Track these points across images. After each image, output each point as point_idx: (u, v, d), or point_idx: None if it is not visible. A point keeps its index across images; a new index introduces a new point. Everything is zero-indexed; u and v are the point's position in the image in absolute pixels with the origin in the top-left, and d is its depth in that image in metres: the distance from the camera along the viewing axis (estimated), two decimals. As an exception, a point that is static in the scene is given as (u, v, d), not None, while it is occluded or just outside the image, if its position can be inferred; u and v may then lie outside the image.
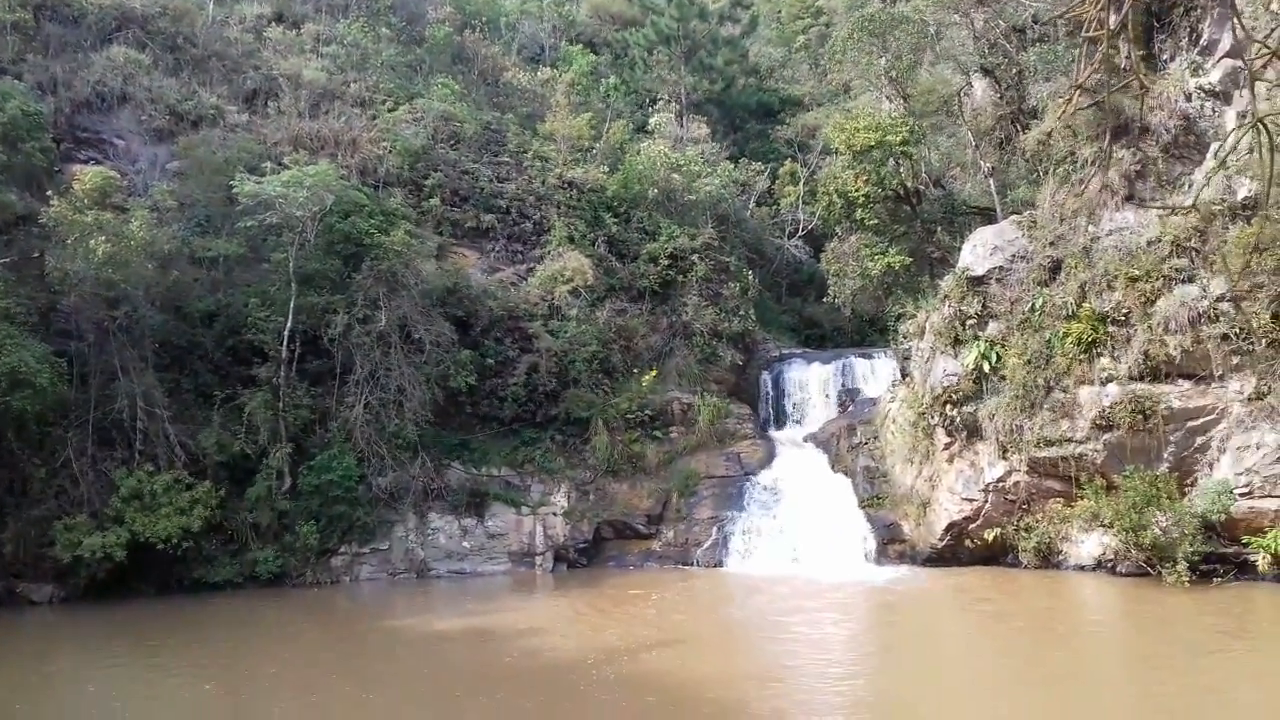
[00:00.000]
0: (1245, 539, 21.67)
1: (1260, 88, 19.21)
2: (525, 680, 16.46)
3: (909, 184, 33.42)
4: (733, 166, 40.53)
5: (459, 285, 30.39)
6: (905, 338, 29.15)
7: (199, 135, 31.69)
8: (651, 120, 40.33)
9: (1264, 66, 18.92)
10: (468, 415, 29.82)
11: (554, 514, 28.84)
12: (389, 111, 34.44)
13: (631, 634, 19.66)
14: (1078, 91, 18.78)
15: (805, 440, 31.43)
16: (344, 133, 32.91)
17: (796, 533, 27.34)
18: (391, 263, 28.32)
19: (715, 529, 28.40)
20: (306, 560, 26.45)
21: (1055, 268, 25.22)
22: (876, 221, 32.44)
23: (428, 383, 28.25)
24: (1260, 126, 14.27)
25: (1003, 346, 25.44)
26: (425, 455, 28.01)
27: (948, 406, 26.01)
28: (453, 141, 34.25)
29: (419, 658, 18.81)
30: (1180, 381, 22.67)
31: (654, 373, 31.43)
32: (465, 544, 28.06)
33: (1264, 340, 21.32)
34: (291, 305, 27.32)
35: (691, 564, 27.99)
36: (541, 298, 31.02)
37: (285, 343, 27.29)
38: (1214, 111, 23.75)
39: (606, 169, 35.26)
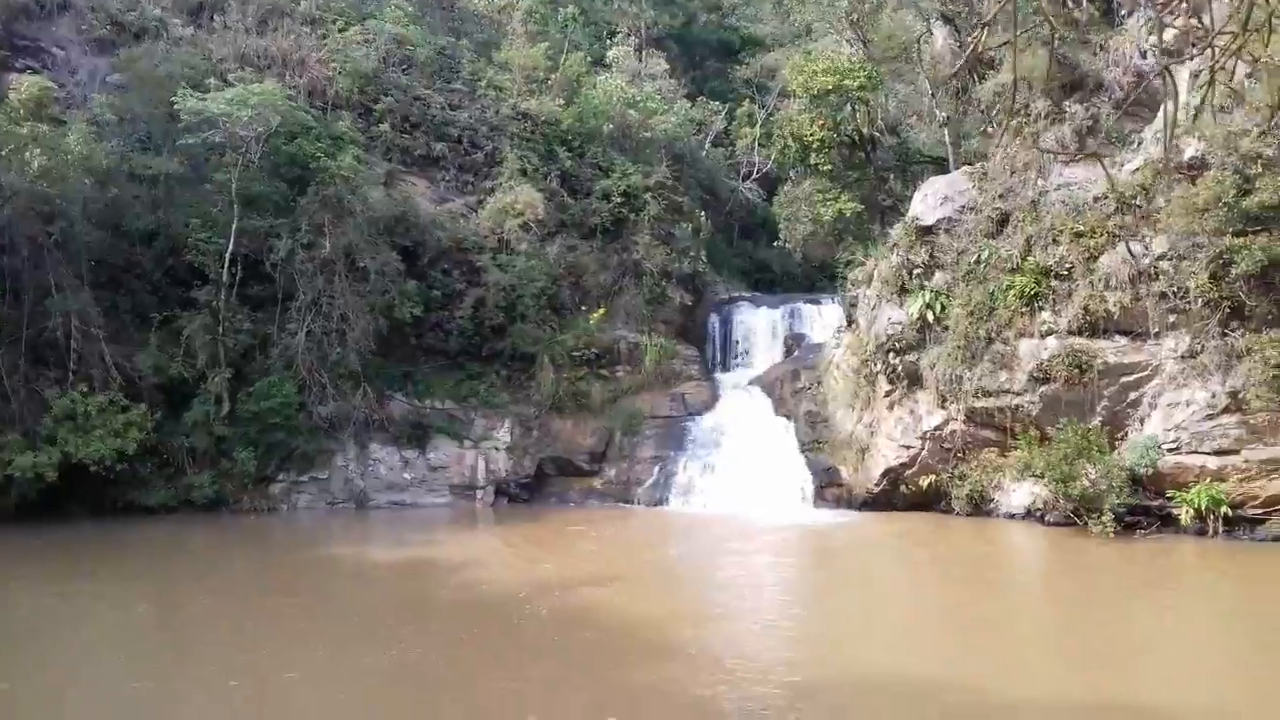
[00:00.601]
0: (1170, 493, 22.25)
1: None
2: (460, 612, 16.51)
3: (864, 130, 33.42)
4: (690, 105, 40.18)
5: (407, 214, 29.89)
6: (853, 285, 29.33)
7: (141, 48, 30.53)
8: (610, 53, 39.75)
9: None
10: (412, 347, 29.53)
11: (496, 448, 28.82)
12: (340, 31, 33.46)
13: (569, 569, 19.77)
14: (1024, 43, 18.74)
15: (750, 383, 31.61)
16: (292, 52, 31.94)
17: (738, 474, 27.57)
18: (338, 188, 27.73)
19: (658, 468, 28.59)
20: (244, 487, 26.21)
21: (1003, 220, 25.43)
22: (830, 167, 32.46)
23: (372, 312, 27.88)
24: (1166, 74, 14.29)
25: (947, 297, 25.68)
26: (367, 385, 27.73)
27: (891, 354, 26.28)
28: (405, 66, 33.45)
29: (354, 587, 18.78)
30: (1117, 337, 23.08)
31: (602, 311, 31.31)
32: (406, 475, 27.97)
33: (1200, 300, 21.69)
34: (234, 228, 26.70)
35: (633, 502, 28.17)
36: (491, 230, 30.63)
37: (226, 266, 26.72)
38: (1168, 71, 23.89)
39: (562, 102, 34.74)
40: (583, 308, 31.51)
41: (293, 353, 27.03)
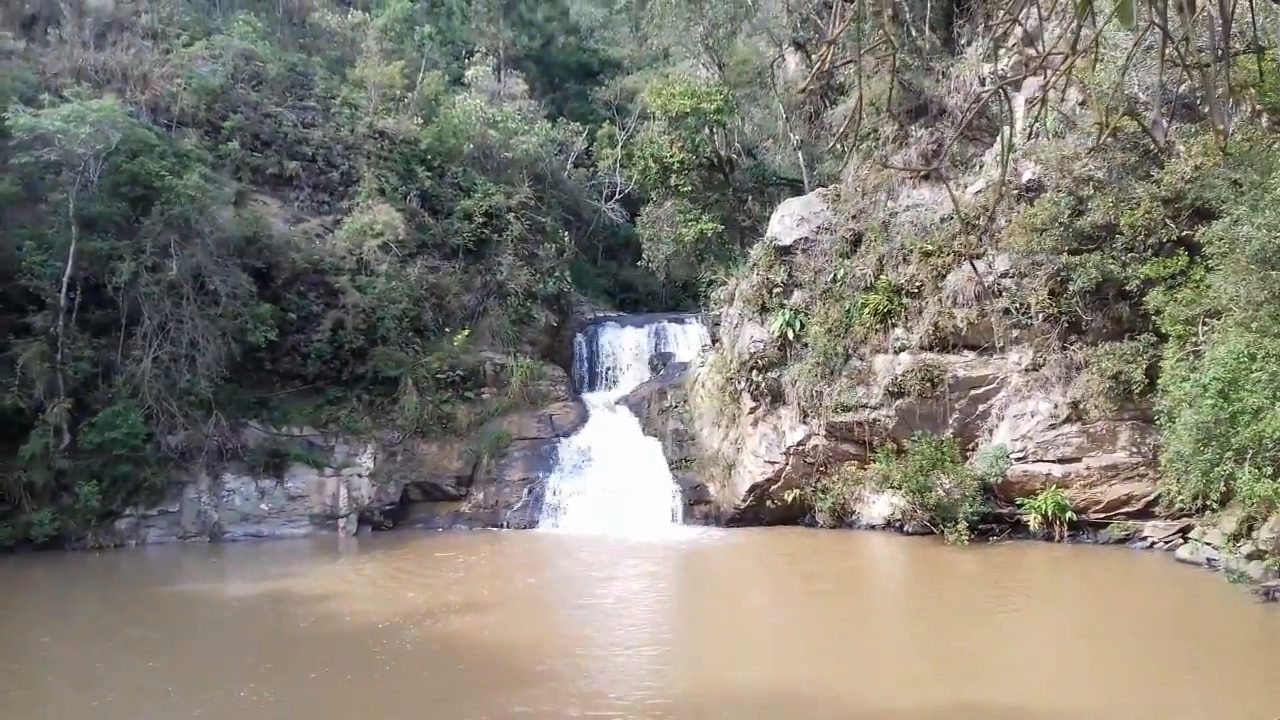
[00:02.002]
0: (1019, 500, 23.23)
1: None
2: (320, 646, 15.92)
3: (722, 152, 33.97)
4: (550, 126, 40.13)
5: (259, 235, 28.87)
6: (716, 304, 29.74)
7: (-34, 60, 28.73)
8: (468, 73, 39.35)
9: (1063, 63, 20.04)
10: (267, 372, 28.53)
11: (359, 475, 28.03)
12: (184, 46, 32.16)
13: (435, 598, 19.34)
14: (871, 69, 19.38)
15: (618, 403, 31.66)
16: (133, 66, 30.51)
17: (607, 494, 27.52)
18: (184, 208, 26.56)
19: (526, 490, 28.31)
20: (87, 523, 24.74)
21: (857, 240, 26.15)
22: (691, 188, 32.86)
23: (224, 337, 26.77)
24: (1002, 95, 15.05)
25: (806, 315, 26.26)
26: (220, 413, 26.61)
27: (754, 372, 26.67)
28: (254, 82, 32.35)
29: (208, 625, 17.92)
30: (966, 352, 23.96)
31: (467, 332, 30.92)
32: (263, 506, 26.92)
33: (1040, 315, 22.74)
34: (72, 250, 25.26)
35: (502, 526, 27.80)
36: (349, 251, 29.88)
37: (65, 290, 25.25)
38: (1005, 96, 25.04)
39: (420, 121, 34.21)
40: (446, 329, 31.04)
41: (139, 380, 25.71)
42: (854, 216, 26.30)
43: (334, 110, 32.92)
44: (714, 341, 30.31)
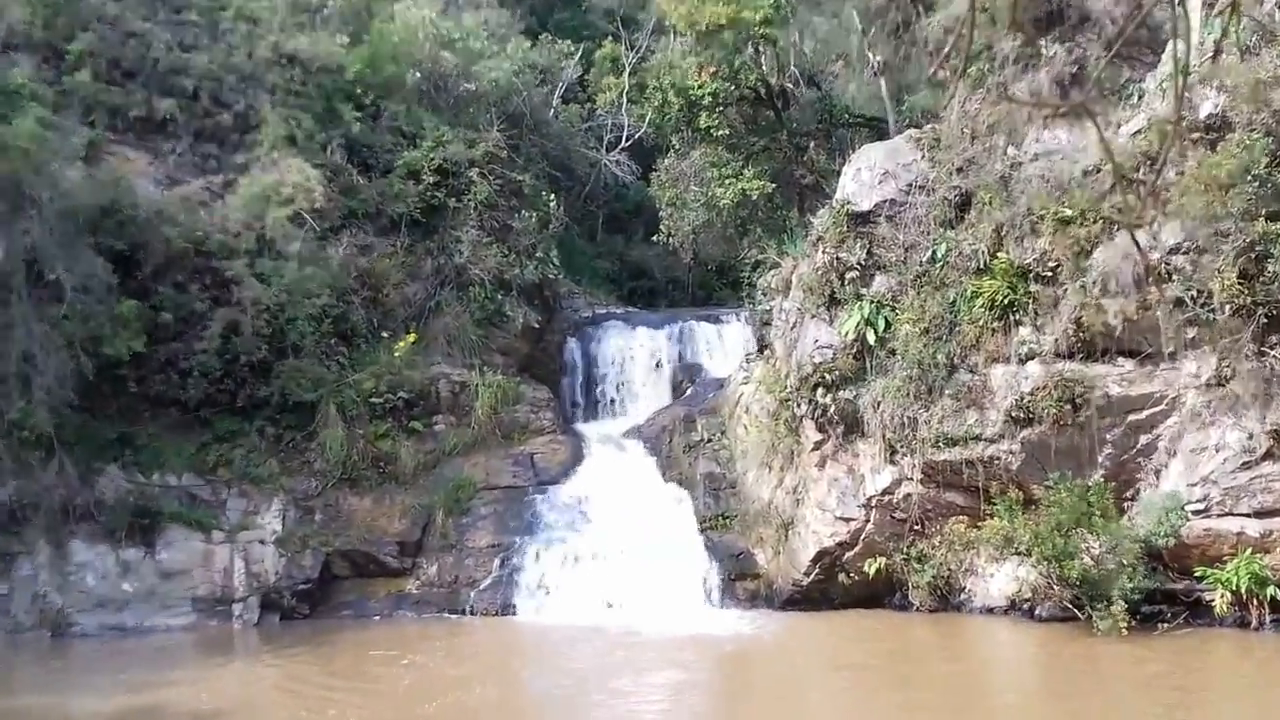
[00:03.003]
0: (1199, 571, 22.72)
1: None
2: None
3: (773, 81, 33.95)
4: (530, 45, 40.34)
5: (120, 203, 28.71)
6: (765, 295, 29.91)
7: None
8: (412, -29, 39.50)
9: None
10: (132, 396, 28.42)
11: (262, 541, 27.96)
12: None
13: (372, 718, 18.95)
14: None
15: (626, 436, 31.72)
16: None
17: (612, 565, 27.44)
18: (13, 165, 26.40)
19: (498, 561, 28.22)
20: None
21: (964, 203, 26.10)
22: (729, 132, 33.11)
23: (70, 348, 26.57)
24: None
25: (894, 309, 26.31)
26: (65, 455, 26.46)
27: (819, 391, 26.57)
28: (113, -11, 32.39)
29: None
30: (1121, 360, 23.62)
31: (412, 337, 30.99)
32: (126, 586, 26.78)
33: (1227, 307, 22.22)
34: None
35: (464, 611, 27.67)
36: (247, 225, 29.84)
37: None
38: (1174, -1, 24.65)
39: (346, 40, 34.47)
40: (384, 334, 31.16)
41: (-53, 411, 25.60)
42: (960, 169, 26.28)
43: (224, 26, 33.03)
44: (762, 348, 30.42)
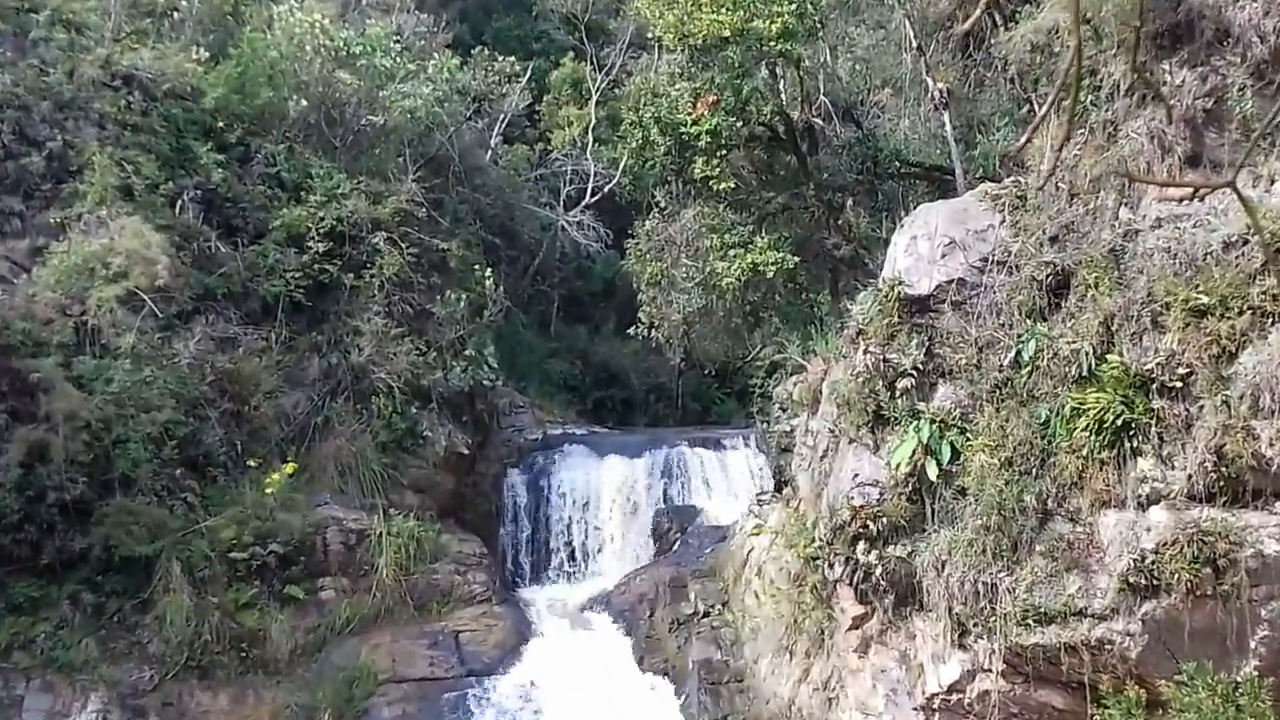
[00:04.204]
0: (1389, 803, 22.78)
1: None
2: None
3: (795, 115, 34.05)
4: (459, 64, 40.30)
5: (-116, 277, 29.01)
6: (784, 410, 29.63)
7: None
8: (296, -38, 39.98)
9: None
10: (-106, 546, 28.39)
11: (74, 756, 27.81)
12: None
13: None
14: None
15: (590, 607, 31.67)
16: None
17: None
18: None
19: (406, 791, 28.08)
20: None
21: (1060, 286, 25.85)
22: (734, 184, 32.79)
23: None
24: None
25: (963, 432, 25.89)
26: None
27: (860, 546, 26.30)
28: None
29: None
30: (1279, 506, 23.75)
31: (290, 468, 30.94)
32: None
33: None
34: None
35: None
36: (61, 310, 29.89)
37: None
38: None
39: (205, 55, 34.63)
40: (251, 462, 31.09)
41: None
42: (1054, 239, 25.97)
43: (35, 35, 33.18)
44: (780, 485, 30.27)
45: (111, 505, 29.03)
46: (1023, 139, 28.12)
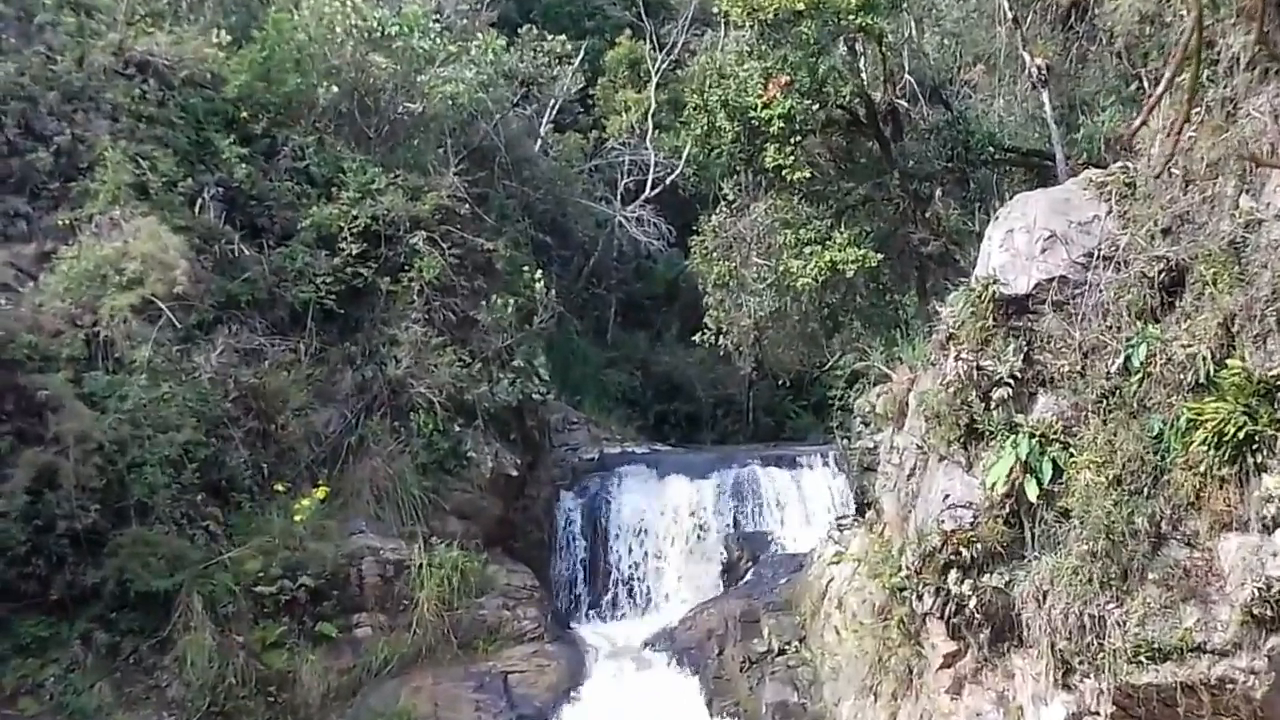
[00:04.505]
0: None
1: None
2: None
3: (877, 97, 33.91)
4: (505, 45, 40.32)
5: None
6: (867, 425, 29.56)
7: None
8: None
9: None
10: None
11: (86, 810, 27.82)
12: None
13: None
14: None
15: (652, 645, 31.57)
16: None
17: None
18: None
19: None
20: None
21: (1174, 282, 25.67)
22: (810, 174, 32.72)
23: None
24: None
25: (1066, 447, 25.73)
26: None
27: (953, 575, 26.16)
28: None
29: None
30: None
31: (322, 492, 30.98)
32: None
33: None
34: None
35: None
36: (71, 321, 30.03)
37: None
38: None
39: (226, 39, 34.73)
40: (279, 486, 31.14)
41: None
42: (1167, 231, 25.78)
43: (41, 19, 33.34)
44: (863, 508, 30.11)
45: (126, 535, 29.08)
46: (1136, 121, 27.59)
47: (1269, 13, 25.61)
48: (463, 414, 32.75)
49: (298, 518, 30.45)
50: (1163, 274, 25.55)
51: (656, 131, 42.55)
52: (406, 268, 33.20)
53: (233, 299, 32.13)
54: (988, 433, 26.39)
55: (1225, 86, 25.97)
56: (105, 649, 28.96)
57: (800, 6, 31.21)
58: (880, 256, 32.30)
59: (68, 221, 31.40)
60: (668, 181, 42.45)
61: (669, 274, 44.48)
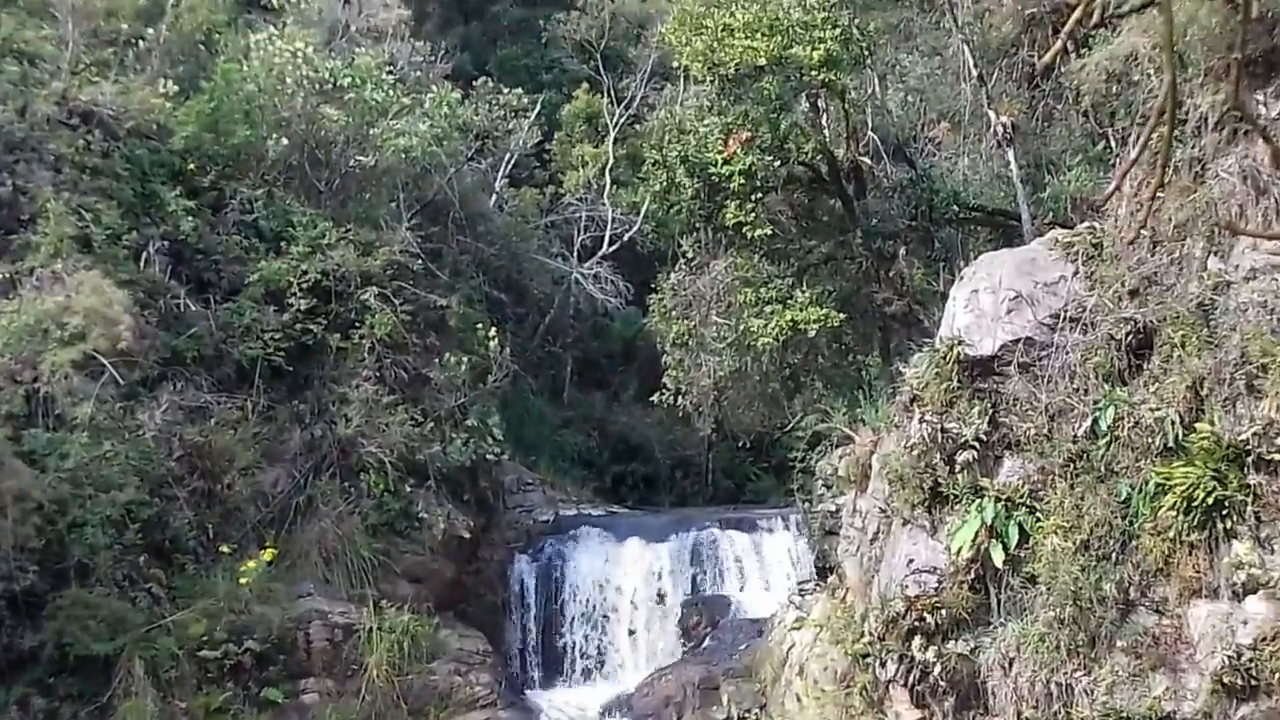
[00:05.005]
0: None
1: None
2: None
3: (839, 154, 34.01)
4: (459, 98, 40.42)
5: None
6: (829, 488, 29.62)
7: None
8: (276, -17, 40.14)
9: None
10: None
11: None
12: None
13: None
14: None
15: (609, 712, 31.59)
16: None
17: None
18: None
19: None
20: None
21: (1142, 344, 25.77)
22: (771, 231, 32.81)
23: None
24: None
25: (1033, 511, 25.80)
26: None
27: (917, 641, 26.18)
28: None
29: None
30: (1395, 595, 23.50)
31: (269, 554, 30.90)
32: None
33: None
34: None
35: None
36: (10, 377, 29.89)
37: None
38: None
39: (173, 89, 34.72)
40: (224, 548, 31.01)
41: None
42: (1134, 292, 25.90)
43: (-16, 69, 33.35)
44: (824, 572, 30.18)
45: (66, 597, 28.81)
46: (1111, 186, 27.85)
47: (1242, 74, 25.80)
48: (414, 474, 32.70)
49: (244, 580, 30.27)
50: (1130, 336, 25.73)
51: (614, 187, 42.66)
52: (357, 324, 33.13)
53: (178, 355, 32.01)
54: (953, 496, 26.51)
55: (1194, 147, 26.15)
56: (43, 715, 28.57)
57: (762, 62, 31.47)
58: (843, 316, 32.46)
59: (8, 275, 31.15)
60: (626, 238, 42.56)
61: (627, 332, 44.55)
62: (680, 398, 34.66)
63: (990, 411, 26.58)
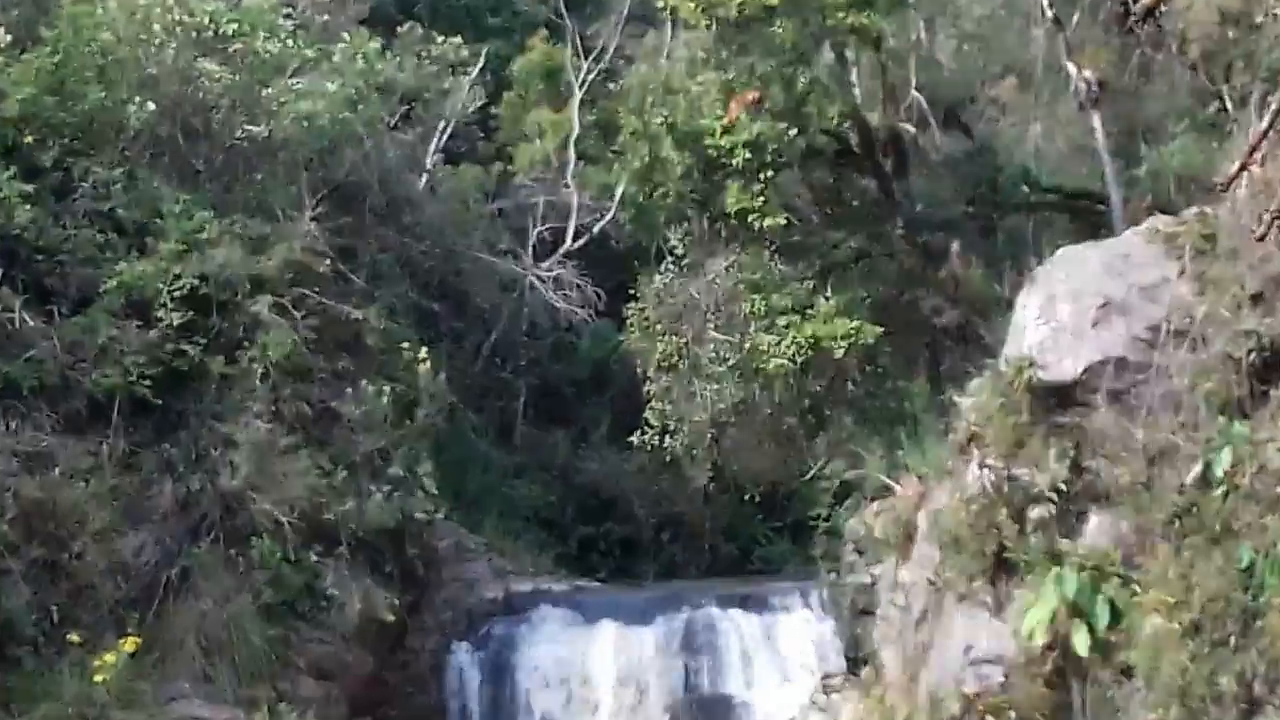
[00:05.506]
0: None
1: None
2: None
3: (875, 118, 33.99)
4: (380, 48, 40.36)
5: None
6: (860, 551, 29.55)
7: None
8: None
9: None
10: None
11: None
12: None
13: None
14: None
15: None
16: None
17: None
18: None
19: None
20: None
21: (1268, 365, 25.69)
22: (786, 220, 32.77)
23: None
24: None
25: (1126, 583, 25.74)
26: None
27: (978, 752, 26.19)
28: None
29: None
30: None
31: (131, 644, 30.51)
32: None
33: None
34: None
35: None
36: None
37: None
38: None
39: (5, 40, 34.46)
40: (71, 637, 30.56)
41: None
42: (1258, 297, 25.88)
43: None
44: (855, 663, 30.11)
45: None
46: (1233, 163, 27.57)
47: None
48: (321, 539, 32.45)
49: (99, 678, 29.81)
50: (1253, 355, 25.48)
51: (581, 164, 42.63)
52: (246, 344, 32.91)
53: (11, 385, 31.64)
54: (1023, 564, 26.35)
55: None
56: None
57: (773, 1, 31.23)
58: (879, 330, 32.36)
59: None
60: (595, 230, 42.57)
61: (597, 352, 44.60)
62: (668, 437, 34.54)
63: (1071, 454, 26.44)
